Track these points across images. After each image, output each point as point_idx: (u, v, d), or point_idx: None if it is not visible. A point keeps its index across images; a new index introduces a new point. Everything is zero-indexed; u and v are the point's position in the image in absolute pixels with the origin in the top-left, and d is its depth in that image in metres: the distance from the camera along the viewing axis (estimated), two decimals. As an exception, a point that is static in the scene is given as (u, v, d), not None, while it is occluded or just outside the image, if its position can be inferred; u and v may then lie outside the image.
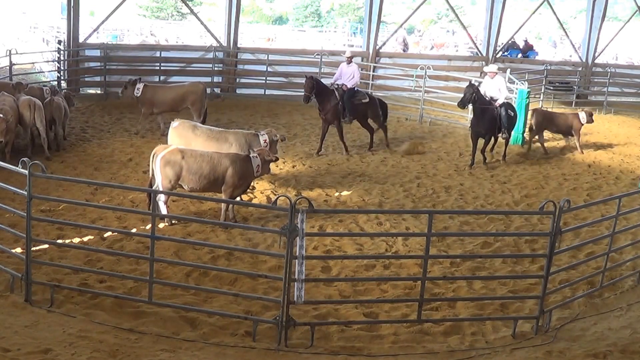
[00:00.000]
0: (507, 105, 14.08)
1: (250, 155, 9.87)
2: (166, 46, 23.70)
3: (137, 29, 37.09)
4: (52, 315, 6.79)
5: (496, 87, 14.04)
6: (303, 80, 14.41)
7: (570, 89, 22.66)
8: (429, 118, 18.05)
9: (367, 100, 14.73)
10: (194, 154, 9.73)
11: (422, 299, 7.03)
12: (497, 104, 13.83)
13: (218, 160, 9.70)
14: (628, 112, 21.49)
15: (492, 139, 14.29)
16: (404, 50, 25.81)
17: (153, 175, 9.74)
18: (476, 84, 14.31)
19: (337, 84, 14.64)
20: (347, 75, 14.73)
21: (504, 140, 14.36)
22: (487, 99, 13.89)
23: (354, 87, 14.63)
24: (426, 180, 12.83)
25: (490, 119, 13.79)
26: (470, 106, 14.35)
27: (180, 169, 9.54)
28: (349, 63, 14.83)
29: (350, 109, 14.36)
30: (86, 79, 19.13)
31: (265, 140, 10.94)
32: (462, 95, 13.78)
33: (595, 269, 8.61)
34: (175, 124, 11.30)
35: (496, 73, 14.31)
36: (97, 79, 18.84)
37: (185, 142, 11.01)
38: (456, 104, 14.21)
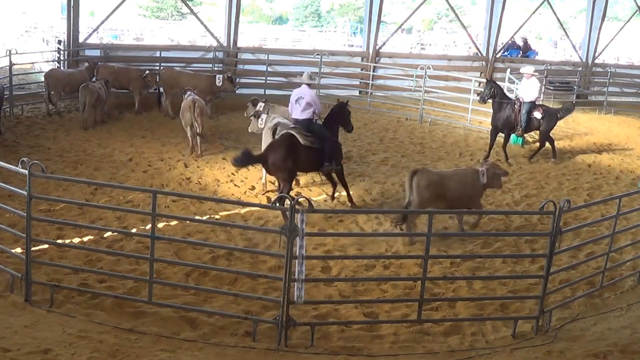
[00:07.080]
0: (534, 107, 14.20)
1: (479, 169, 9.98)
2: (166, 46, 23.67)
3: (137, 29, 37.09)
4: (52, 315, 6.79)
5: (527, 89, 14.24)
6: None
7: (570, 89, 22.66)
8: (429, 118, 18.04)
9: None
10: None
11: (422, 299, 7.04)
12: (520, 99, 14.09)
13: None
14: (628, 112, 21.49)
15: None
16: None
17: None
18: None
19: None
20: None
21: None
22: (519, 99, 14.20)
23: None
24: (426, 180, 12.80)
25: (507, 114, 14.06)
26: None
27: None
28: None
29: None
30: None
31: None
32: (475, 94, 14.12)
33: (595, 269, 8.61)
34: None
35: (532, 75, 14.46)
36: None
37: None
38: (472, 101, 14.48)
